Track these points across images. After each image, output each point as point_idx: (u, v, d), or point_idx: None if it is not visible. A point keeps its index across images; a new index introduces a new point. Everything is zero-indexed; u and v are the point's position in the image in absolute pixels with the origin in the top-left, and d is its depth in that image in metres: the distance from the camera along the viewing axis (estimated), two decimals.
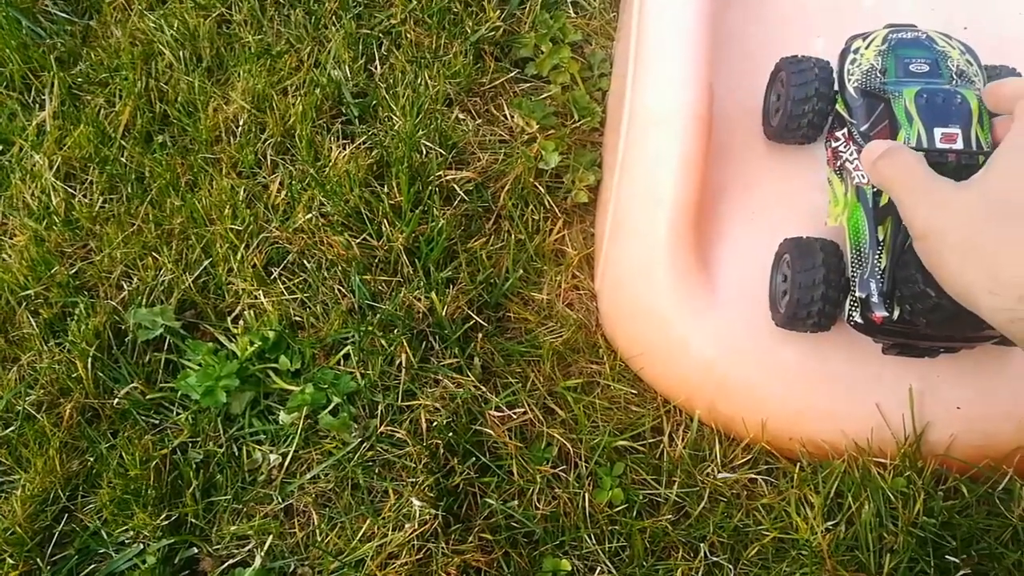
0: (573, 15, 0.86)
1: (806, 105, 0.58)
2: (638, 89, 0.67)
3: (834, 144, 0.58)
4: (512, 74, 0.82)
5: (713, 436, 0.61)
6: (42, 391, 0.64)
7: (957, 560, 0.53)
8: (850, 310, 0.53)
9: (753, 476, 0.58)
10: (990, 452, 0.58)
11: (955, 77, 0.53)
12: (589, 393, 0.63)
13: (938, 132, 0.50)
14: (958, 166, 0.49)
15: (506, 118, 0.79)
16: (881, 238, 0.52)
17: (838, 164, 0.57)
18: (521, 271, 0.69)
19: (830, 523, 0.55)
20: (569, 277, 0.70)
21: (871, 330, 0.52)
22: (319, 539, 0.56)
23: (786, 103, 0.60)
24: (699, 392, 0.62)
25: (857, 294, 0.52)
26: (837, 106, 0.58)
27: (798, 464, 0.58)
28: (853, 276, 0.53)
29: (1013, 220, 0.38)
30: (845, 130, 0.57)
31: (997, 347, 0.57)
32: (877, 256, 0.51)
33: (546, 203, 0.73)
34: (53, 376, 0.64)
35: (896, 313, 0.50)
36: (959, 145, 0.49)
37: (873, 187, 0.53)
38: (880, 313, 0.51)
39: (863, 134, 0.55)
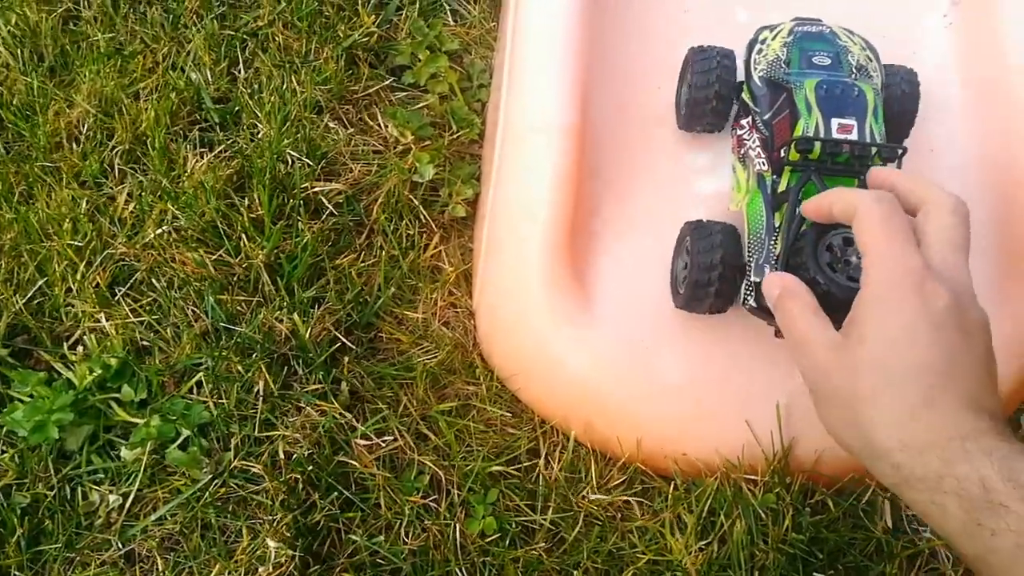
0: (452, 23, 0.83)
1: (709, 92, 0.59)
2: (512, 100, 0.65)
3: (739, 132, 0.59)
4: (387, 82, 0.79)
5: (589, 457, 0.59)
6: None
7: (824, 575, 0.53)
8: (745, 294, 0.54)
9: (627, 498, 0.57)
10: (854, 466, 0.58)
11: (855, 71, 0.55)
12: (464, 416, 0.61)
13: (835, 122, 0.51)
14: (851, 156, 0.51)
15: (380, 128, 0.76)
16: (777, 224, 0.52)
17: (742, 152, 0.58)
18: (394, 288, 0.66)
19: (703, 543, 0.54)
20: (446, 294, 0.67)
21: (765, 314, 0.53)
22: None
23: (691, 92, 0.60)
24: (575, 411, 0.61)
25: (752, 279, 0.53)
26: (743, 95, 0.59)
27: (672, 483, 0.57)
28: (749, 261, 0.54)
29: (885, 390, 0.39)
30: (750, 118, 0.58)
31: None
32: (772, 242, 0.52)
33: (421, 217, 0.70)
34: None
35: None
36: (854, 136, 0.51)
37: (773, 174, 0.54)
38: None
39: (766, 123, 0.56)
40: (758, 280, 0.52)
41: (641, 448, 0.59)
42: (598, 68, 0.66)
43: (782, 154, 0.52)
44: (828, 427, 0.43)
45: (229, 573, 0.50)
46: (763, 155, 0.55)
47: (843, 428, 0.41)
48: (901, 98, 0.59)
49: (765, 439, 0.57)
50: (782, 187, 0.53)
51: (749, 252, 0.54)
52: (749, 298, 0.53)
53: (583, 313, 0.60)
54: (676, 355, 0.59)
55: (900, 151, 0.51)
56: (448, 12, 0.84)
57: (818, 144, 0.50)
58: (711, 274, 0.53)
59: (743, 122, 0.59)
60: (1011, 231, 0.61)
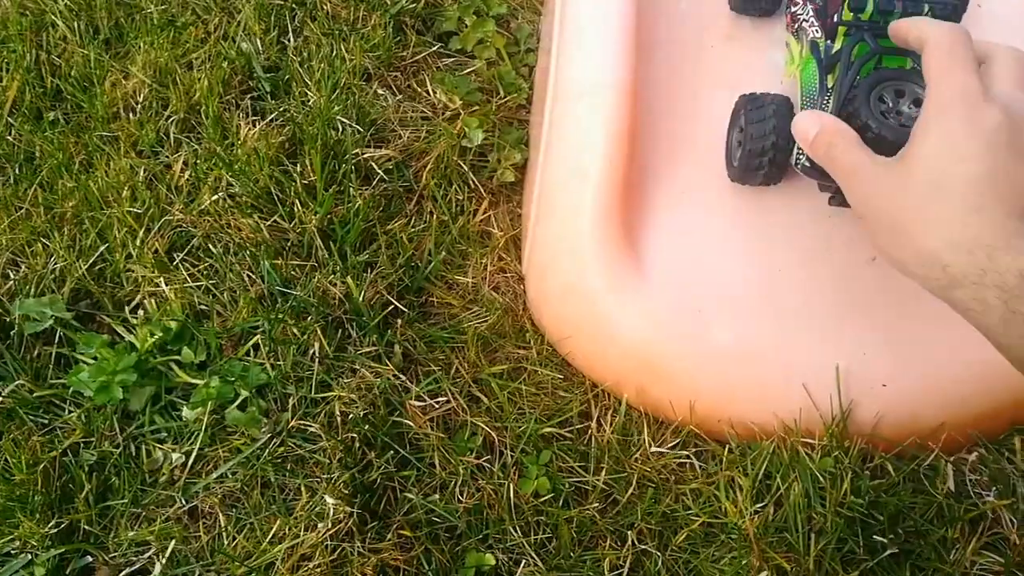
0: None
1: None
2: (562, 63, 0.65)
3: (792, 9, 0.61)
4: (435, 48, 0.79)
5: (642, 420, 0.59)
6: None
7: (884, 540, 0.52)
8: (797, 154, 0.55)
9: (682, 460, 0.57)
10: (915, 430, 0.57)
11: None
12: (515, 379, 0.61)
13: None
14: (904, 14, 0.52)
15: (428, 94, 0.75)
16: (830, 85, 0.54)
17: (795, 27, 0.61)
18: (444, 253, 0.66)
19: (759, 505, 0.54)
20: (495, 259, 0.67)
21: (817, 171, 0.53)
22: (225, 543, 0.52)
23: None
24: (628, 375, 0.60)
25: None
26: None
27: (727, 446, 0.57)
28: None
29: (936, 200, 0.40)
30: None
31: (922, 323, 0.57)
32: (825, 101, 0.54)
33: (470, 182, 0.70)
34: None
35: None
36: None
37: (827, 40, 0.55)
38: None
39: None
40: None
41: (695, 412, 0.58)
42: (650, 27, 0.65)
43: (835, 19, 0.54)
44: (880, 248, 0.44)
45: (289, 529, 0.51)
46: (816, 23, 0.57)
47: (894, 243, 0.42)
48: None
49: (823, 403, 0.56)
50: (835, 49, 0.54)
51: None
52: (801, 158, 0.54)
53: (636, 275, 0.59)
54: (731, 318, 0.58)
55: (954, 5, 0.52)
56: None
57: (871, 2, 0.52)
58: (764, 143, 0.55)
59: None
60: None
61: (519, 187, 0.71)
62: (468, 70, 0.77)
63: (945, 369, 0.57)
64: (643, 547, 0.53)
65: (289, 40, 0.77)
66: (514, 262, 0.68)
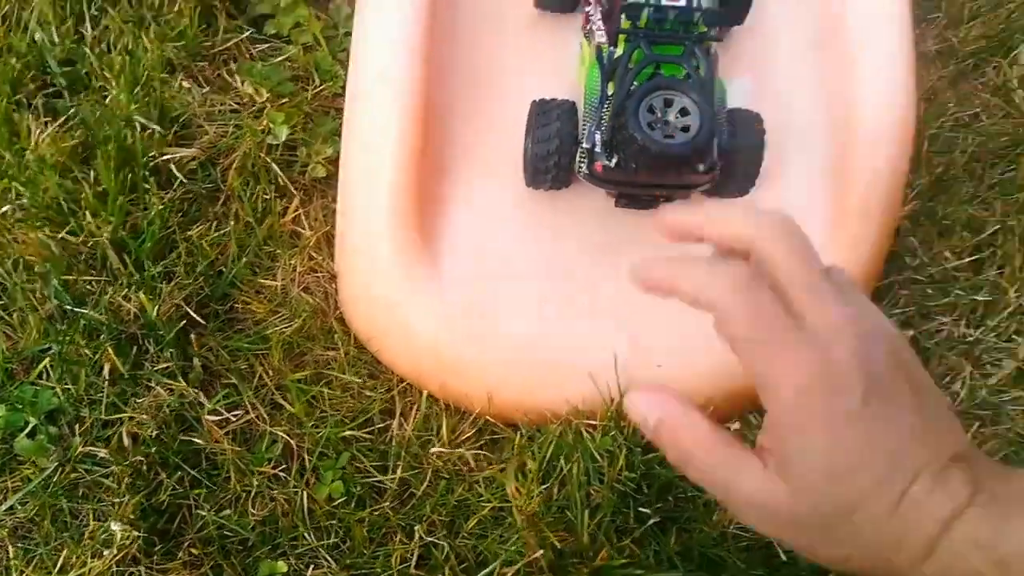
0: None
1: None
2: (357, 52, 0.63)
3: (586, 9, 0.61)
4: (248, 33, 0.76)
5: (442, 414, 0.61)
6: None
7: (649, 511, 0.56)
8: (579, 162, 0.57)
9: (477, 451, 0.59)
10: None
11: None
12: (320, 383, 0.62)
13: None
14: (677, 22, 0.54)
15: (239, 84, 0.73)
16: (610, 93, 0.55)
17: (587, 28, 0.60)
18: (251, 257, 0.65)
19: (544, 487, 0.57)
20: (306, 259, 0.67)
21: (596, 179, 0.56)
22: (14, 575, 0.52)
23: None
24: (428, 372, 0.62)
25: (584, 145, 0.56)
26: None
27: (518, 432, 0.59)
28: (583, 130, 0.56)
29: (846, 512, 0.32)
30: None
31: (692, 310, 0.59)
32: (605, 109, 0.55)
33: (278, 180, 0.69)
34: None
35: (614, 160, 0.54)
36: (681, 2, 0.54)
37: (610, 46, 0.56)
38: (601, 162, 0.55)
39: None
40: (588, 147, 0.55)
41: (492, 403, 0.61)
42: (448, 22, 0.64)
43: (616, 25, 0.55)
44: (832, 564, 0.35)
45: (76, 557, 0.52)
46: (603, 27, 0.57)
47: (811, 551, 0.35)
48: None
49: (607, 387, 0.58)
50: (617, 55, 0.55)
51: (584, 121, 0.57)
52: (583, 166, 0.56)
53: (431, 275, 0.60)
54: (522, 313, 0.60)
55: (716, 23, 0.55)
56: None
57: (646, 11, 0.53)
58: (548, 148, 0.56)
59: None
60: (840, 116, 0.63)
61: (333, 181, 0.71)
62: (283, 57, 0.75)
63: (711, 350, 0.60)
64: (431, 539, 0.56)
65: (87, 30, 0.73)
66: (327, 260, 0.68)
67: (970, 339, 0.68)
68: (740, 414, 0.61)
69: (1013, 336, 0.69)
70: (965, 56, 0.81)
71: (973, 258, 0.72)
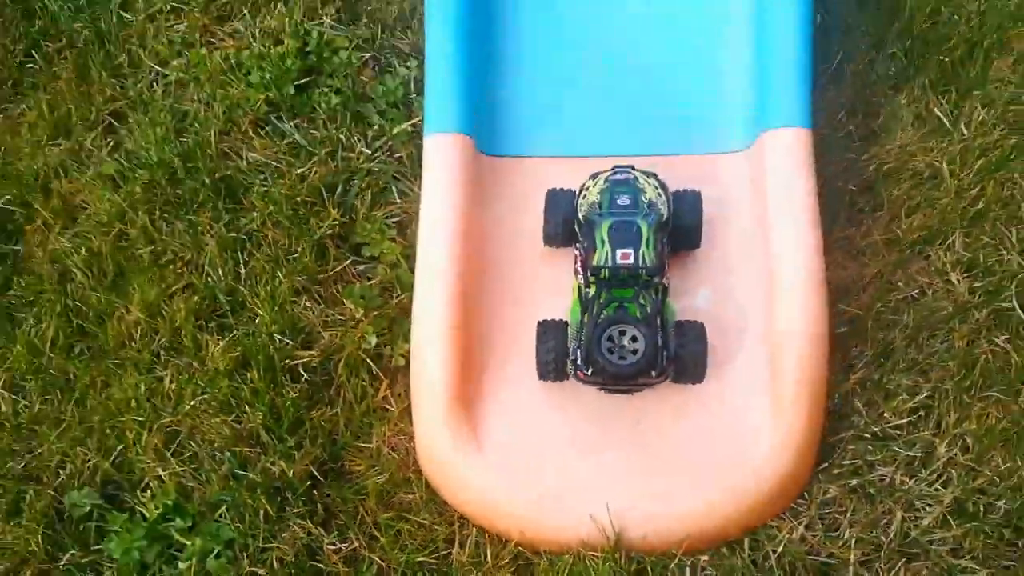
0: (398, 200, 1.10)
1: (557, 221, 0.89)
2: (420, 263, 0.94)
3: (576, 251, 0.88)
4: (349, 260, 1.07)
5: (487, 544, 0.87)
6: (7, 561, 0.88)
7: None
8: (570, 368, 0.84)
9: (512, 572, 0.85)
10: (670, 541, 0.84)
11: (646, 207, 0.83)
12: (401, 520, 0.89)
13: (619, 252, 0.81)
14: (627, 276, 0.80)
15: (345, 303, 1.04)
16: (585, 322, 0.82)
17: (576, 265, 0.88)
18: (353, 428, 0.95)
19: None
20: (393, 426, 0.95)
21: (580, 381, 0.84)
22: None
23: (548, 221, 0.91)
24: (476, 512, 0.88)
25: (571, 358, 0.83)
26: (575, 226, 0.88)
27: (541, 559, 0.85)
28: (571, 346, 0.84)
29: None
30: (580, 243, 0.87)
31: (674, 456, 0.85)
32: (582, 334, 0.82)
33: (372, 370, 0.98)
34: (14, 549, 0.88)
35: (589, 371, 0.81)
36: (631, 261, 0.80)
37: (586, 286, 0.83)
38: (582, 371, 0.82)
39: (584, 249, 0.85)
40: (573, 359, 0.83)
41: (523, 536, 0.86)
42: (477, 255, 0.94)
43: (588, 272, 0.82)
44: None
45: None
46: (582, 272, 0.85)
47: None
48: (688, 212, 0.88)
49: (610, 526, 0.83)
50: (590, 295, 0.82)
51: (571, 340, 0.84)
52: (571, 370, 0.84)
53: (475, 443, 0.88)
54: (542, 469, 0.87)
55: (658, 272, 0.81)
56: (395, 192, 1.11)
57: (605, 269, 0.79)
58: (547, 358, 0.84)
59: (577, 245, 0.88)
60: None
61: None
62: (375, 277, 1.05)
63: (688, 500, 0.85)
64: None
65: (242, 269, 1.06)
66: (408, 426, 0.96)
67: (905, 487, 0.85)
68: (709, 546, 0.85)
69: (938, 487, 0.85)
70: (908, 244, 0.99)
71: (910, 419, 0.89)
